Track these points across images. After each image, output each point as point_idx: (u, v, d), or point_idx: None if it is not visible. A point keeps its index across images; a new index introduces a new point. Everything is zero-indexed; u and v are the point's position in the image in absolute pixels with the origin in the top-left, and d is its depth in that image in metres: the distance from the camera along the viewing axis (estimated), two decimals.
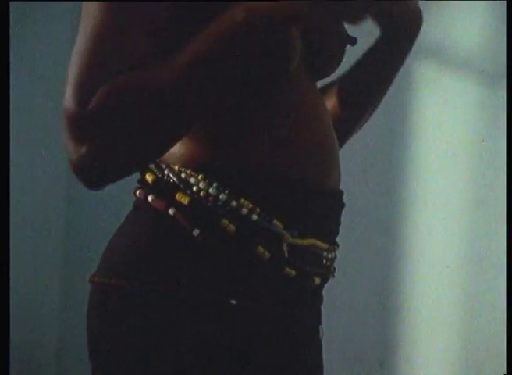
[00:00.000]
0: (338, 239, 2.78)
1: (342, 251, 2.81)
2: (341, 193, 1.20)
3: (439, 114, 2.57)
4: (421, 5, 2.58)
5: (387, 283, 2.66)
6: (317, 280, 1.14)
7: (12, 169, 2.60)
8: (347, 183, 2.69)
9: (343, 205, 1.21)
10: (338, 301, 2.69)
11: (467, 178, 2.51)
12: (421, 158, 2.60)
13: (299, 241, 1.10)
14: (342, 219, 1.24)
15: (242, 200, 1.06)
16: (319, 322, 1.20)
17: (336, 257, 1.19)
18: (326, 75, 1.25)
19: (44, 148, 3.33)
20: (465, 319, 2.52)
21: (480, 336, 2.48)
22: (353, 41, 1.27)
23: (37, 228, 3.29)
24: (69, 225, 3.34)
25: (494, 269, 2.41)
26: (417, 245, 2.61)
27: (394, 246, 2.66)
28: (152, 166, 1.11)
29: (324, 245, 1.14)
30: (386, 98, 2.65)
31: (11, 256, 2.20)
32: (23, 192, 3.18)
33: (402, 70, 2.63)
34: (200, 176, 1.06)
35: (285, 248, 1.08)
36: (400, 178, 2.65)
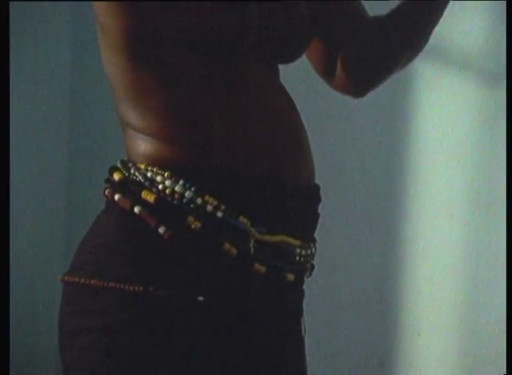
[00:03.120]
0: (339, 238, 2.77)
1: (343, 250, 2.81)
2: (315, 188, 1.19)
3: (439, 114, 2.56)
4: None
5: (388, 283, 2.66)
6: (290, 277, 1.14)
7: (12, 169, 2.59)
8: (348, 184, 2.71)
9: (318, 201, 1.20)
10: (338, 301, 2.69)
11: (467, 178, 2.51)
12: (422, 158, 2.60)
13: (267, 238, 1.10)
14: (343, 217, 1.23)
15: (207, 197, 1.07)
16: (298, 318, 1.19)
17: (312, 253, 1.18)
18: (297, 57, 1.23)
19: (44, 146, 3.32)
20: (465, 319, 2.52)
21: (480, 336, 2.47)
22: None
23: (37, 228, 3.29)
24: (69, 224, 3.34)
25: (495, 270, 2.40)
26: (418, 246, 2.60)
27: (395, 246, 2.65)
28: (119, 164, 1.12)
29: (295, 242, 1.14)
30: (386, 99, 2.66)
31: (12, 255, 2.20)
32: (22, 191, 3.17)
33: (402, 71, 2.63)
34: (166, 174, 1.07)
35: (251, 244, 1.09)
36: (400, 178, 2.65)
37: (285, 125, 1.15)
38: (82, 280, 1.08)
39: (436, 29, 2.53)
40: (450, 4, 2.53)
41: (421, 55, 2.58)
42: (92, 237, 1.13)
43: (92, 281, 1.07)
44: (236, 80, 1.11)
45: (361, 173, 2.70)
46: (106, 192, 1.12)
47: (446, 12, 2.52)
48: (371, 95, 2.68)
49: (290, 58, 1.22)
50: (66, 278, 1.11)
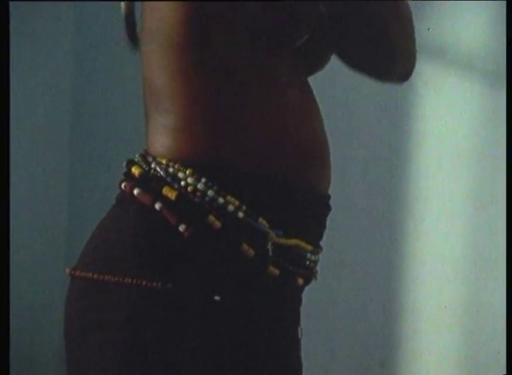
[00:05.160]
0: (340, 239, 2.78)
1: (344, 251, 2.81)
2: (328, 197, 1.19)
3: (441, 115, 2.56)
4: (424, 5, 2.58)
5: (388, 283, 2.66)
6: (300, 281, 1.14)
7: (13, 167, 2.59)
8: (351, 185, 2.71)
9: (329, 209, 1.20)
10: (339, 301, 2.69)
11: (469, 178, 2.51)
12: (424, 159, 2.60)
13: (284, 241, 1.10)
14: (346, 219, 1.24)
15: (229, 197, 1.06)
16: (297, 321, 1.19)
17: (319, 260, 1.18)
18: (321, 68, 1.25)
19: (46, 144, 3.32)
20: (466, 319, 2.52)
21: (481, 336, 2.47)
22: None
23: (38, 226, 3.29)
24: (71, 223, 3.34)
25: (496, 271, 2.40)
26: (420, 246, 2.60)
27: (396, 246, 2.65)
28: (138, 158, 1.11)
29: (308, 246, 1.14)
30: (388, 99, 2.65)
31: (12, 255, 2.19)
32: (24, 190, 3.17)
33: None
34: (188, 171, 1.06)
35: (269, 246, 1.08)
36: (402, 178, 2.65)
37: (311, 131, 1.15)
38: (95, 276, 1.06)
39: (438, 29, 2.54)
40: (452, 4, 2.54)
41: (423, 56, 2.59)
42: (106, 232, 1.11)
43: (106, 277, 1.05)
44: (273, 82, 1.11)
45: (363, 174, 2.70)
46: (123, 186, 1.10)
47: (448, 13, 2.53)
48: (373, 95, 2.69)
49: (325, 62, 1.25)
50: (78, 273, 1.09)
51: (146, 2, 1.11)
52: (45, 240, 3.31)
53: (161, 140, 1.09)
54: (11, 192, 2.39)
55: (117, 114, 3.15)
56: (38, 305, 3.27)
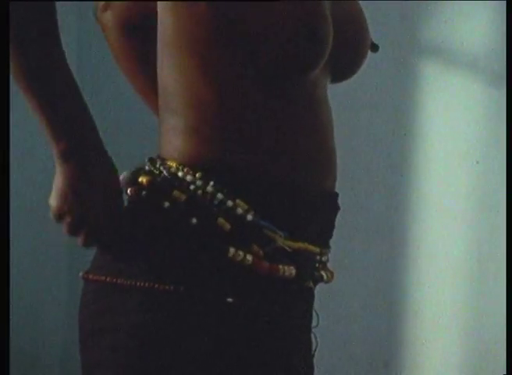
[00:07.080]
0: (342, 240, 2.78)
1: (347, 250, 2.81)
2: (336, 195, 1.20)
3: (444, 115, 2.56)
4: (427, 5, 2.58)
5: (392, 285, 2.65)
6: (309, 283, 1.15)
7: (13, 167, 2.59)
8: (354, 185, 2.70)
9: (337, 208, 1.21)
10: (343, 302, 2.69)
11: (472, 180, 2.50)
12: (427, 159, 2.60)
13: (291, 244, 1.10)
14: (349, 219, 1.24)
15: (238, 200, 1.06)
16: (310, 320, 1.20)
17: (328, 260, 1.19)
18: (344, 79, 1.26)
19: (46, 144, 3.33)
20: (469, 320, 2.52)
21: (483, 337, 2.48)
22: (375, 48, 1.29)
23: (41, 226, 3.29)
24: None
25: (498, 273, 2.40)
26: (422, 248, 2.60)
27: (399, 247, 2.65)
28: (147, 162, 1.11)
29: (315, 249, 1.15)
30: (392, 99, 2.65)
31: (15, 255, 2.19)
32: (26, 190, 3.17)
33: (407, 71, 2.62)
34: (197, 175, 1.06)
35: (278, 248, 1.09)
36: (405, 179, 2.65)
37: (320, 135, 1.15)
38: (108, 279, 1.07)
39: (442, 29, 2.53)
40: (456, 5, 2.53)
41: (426, 56, 2.58)
42: None
43: (119, 280, 1.06)
44: (290, 90, 1.11)
45: (365, 175, 2.70)
46: (129, 191, 1.11)
47: (451, 13, 2.52)
48: (376, 95, 2.69)
49: (351, 74, 1.24)
50: (90, 276, 1.10)
51: (161, 5, 1.10)
52: (47, 239, 3.31)
53: (172, 142, 1.10)
54: (12, 193, 2.39)
55: (123, 115, 3.15)
56: (39, 306, 3.27)
